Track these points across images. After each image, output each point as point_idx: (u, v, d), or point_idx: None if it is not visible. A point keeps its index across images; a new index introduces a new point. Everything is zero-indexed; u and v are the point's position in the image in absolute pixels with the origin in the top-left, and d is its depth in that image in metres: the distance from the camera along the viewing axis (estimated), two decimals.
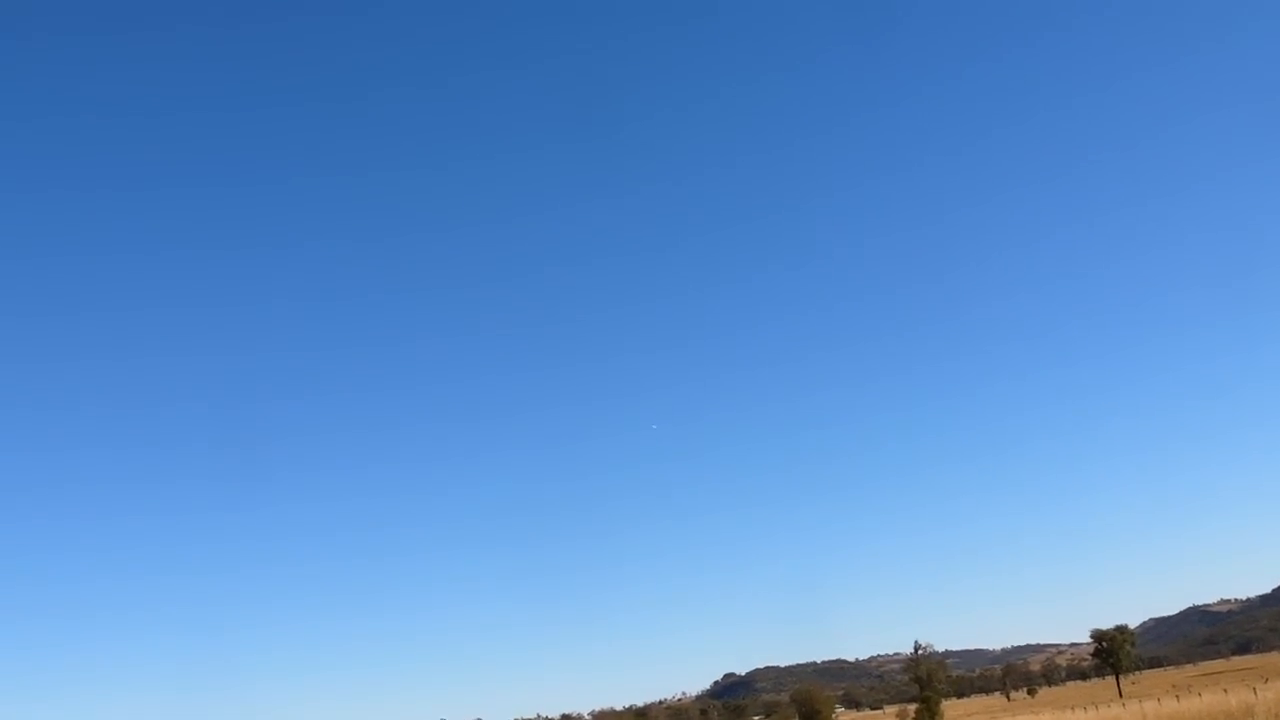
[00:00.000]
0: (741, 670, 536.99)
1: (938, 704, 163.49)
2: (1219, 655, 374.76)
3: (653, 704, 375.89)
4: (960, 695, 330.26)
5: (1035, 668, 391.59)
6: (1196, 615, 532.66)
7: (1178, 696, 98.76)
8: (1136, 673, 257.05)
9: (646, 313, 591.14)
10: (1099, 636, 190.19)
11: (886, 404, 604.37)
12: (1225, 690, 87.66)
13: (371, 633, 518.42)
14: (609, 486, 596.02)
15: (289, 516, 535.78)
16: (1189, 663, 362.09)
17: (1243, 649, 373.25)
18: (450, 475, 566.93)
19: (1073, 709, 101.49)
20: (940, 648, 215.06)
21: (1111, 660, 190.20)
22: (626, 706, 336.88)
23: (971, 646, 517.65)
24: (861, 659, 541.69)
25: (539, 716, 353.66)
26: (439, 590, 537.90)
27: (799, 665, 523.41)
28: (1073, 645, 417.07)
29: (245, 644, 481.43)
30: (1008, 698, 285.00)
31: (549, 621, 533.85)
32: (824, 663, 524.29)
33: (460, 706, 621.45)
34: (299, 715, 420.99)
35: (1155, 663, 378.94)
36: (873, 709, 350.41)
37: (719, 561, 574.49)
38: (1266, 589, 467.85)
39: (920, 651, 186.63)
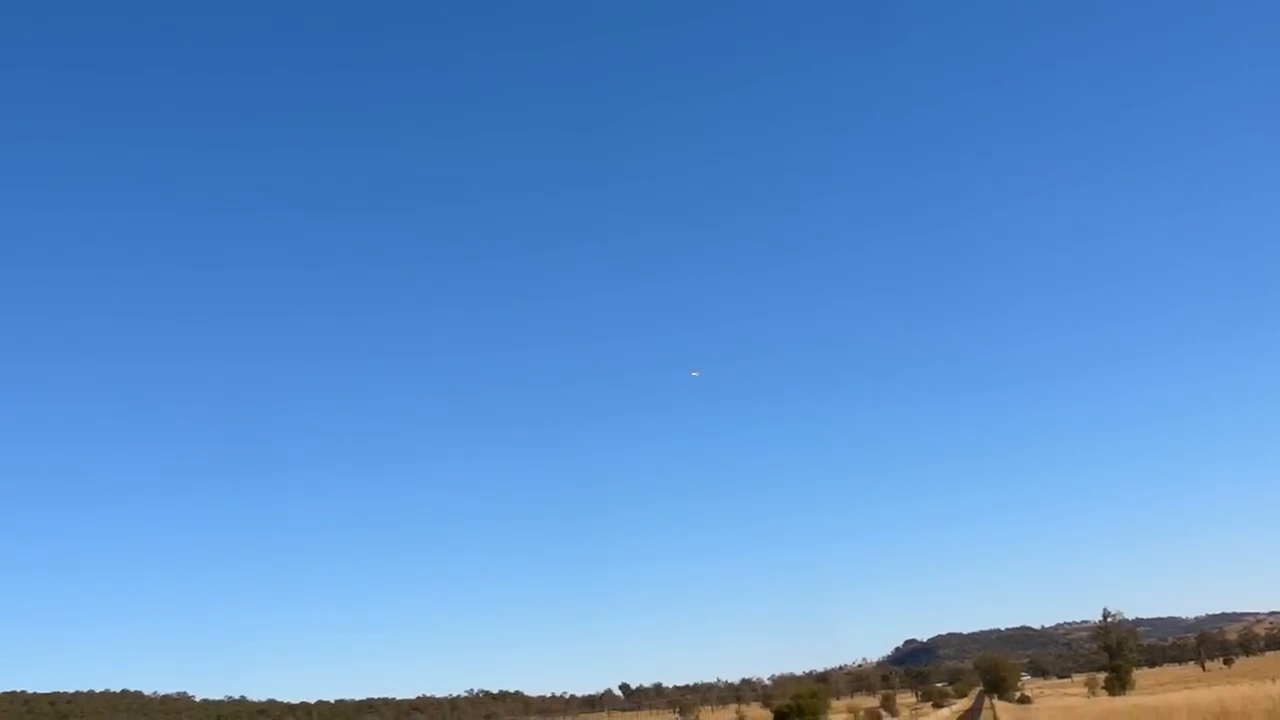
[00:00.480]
0: (923, 637, 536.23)
1: (1128, 673, 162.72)
2: None
3: (834, 670, 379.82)
4: (1152, 664, 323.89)
5: (1232, 637, 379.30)
6: None
7: None
8: None
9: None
10: None
11: (1096, 359, 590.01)
12: None
13: (557, 597, 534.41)
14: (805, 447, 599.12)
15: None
16: None
17: None
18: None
19: (1273, 680, 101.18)
20: (1131, 615, 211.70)
21: None
22: (807, 672, 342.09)
23: (1164, 614, 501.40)
24: (1048, 626, 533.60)
25: (719, 680, 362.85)
26: (626, 554, 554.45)
27: (982, 632, 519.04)
28: (1271, 614, 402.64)
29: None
30: (1203, 668, 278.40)
31: (731, 585, 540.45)
32: (1008, 629, 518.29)
33: (638, 672, 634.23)
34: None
35: None
36: (1060, 678, 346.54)
37: (904, 524, 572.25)
38: None
39: (1110, 619, 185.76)
